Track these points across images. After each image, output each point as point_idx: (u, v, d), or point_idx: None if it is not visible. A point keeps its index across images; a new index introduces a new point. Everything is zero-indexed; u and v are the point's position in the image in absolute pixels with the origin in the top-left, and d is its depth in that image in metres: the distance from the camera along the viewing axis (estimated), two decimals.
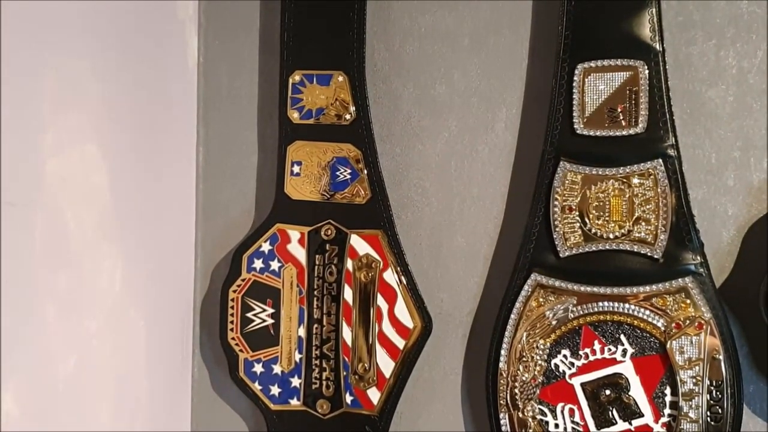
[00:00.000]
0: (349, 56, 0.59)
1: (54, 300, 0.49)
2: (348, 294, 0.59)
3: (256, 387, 0.61)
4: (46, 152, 0.49)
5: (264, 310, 0.61)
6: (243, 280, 0.61)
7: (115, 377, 0.56)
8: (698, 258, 0.54)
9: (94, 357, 0.53)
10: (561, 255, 0.55)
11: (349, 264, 0.59)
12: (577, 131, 0.55)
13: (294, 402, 0.60)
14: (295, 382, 0.60)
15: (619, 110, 0.55)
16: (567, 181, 0.55)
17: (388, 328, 0.59)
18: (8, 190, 0.45)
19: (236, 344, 0.61)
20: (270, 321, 0.61)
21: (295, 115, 0.60)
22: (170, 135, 0.64)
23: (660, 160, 0.55)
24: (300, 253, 0.60)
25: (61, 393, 0.50)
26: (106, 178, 0.55)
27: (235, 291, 0.61)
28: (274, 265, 0.61)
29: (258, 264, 0.61)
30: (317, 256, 0.60)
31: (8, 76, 0.45)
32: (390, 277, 0.59)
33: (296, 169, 0.60)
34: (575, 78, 0.55)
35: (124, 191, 0.57)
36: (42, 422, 0.48)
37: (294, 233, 0.60)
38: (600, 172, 0.55)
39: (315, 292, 0.60)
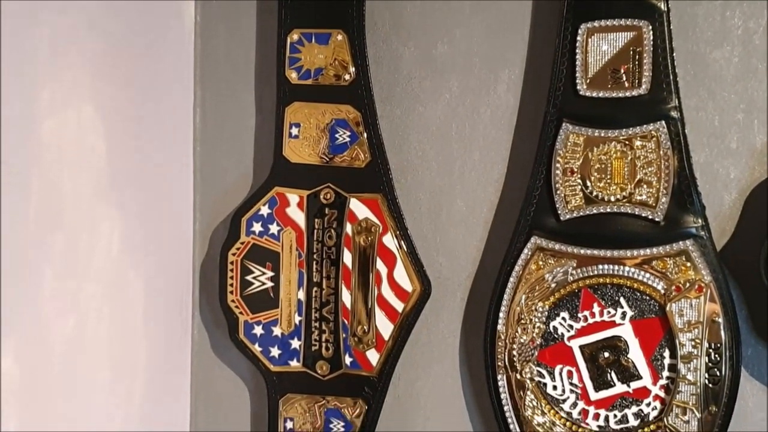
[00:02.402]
0: (349, 14, 0.58)
1: (51, 262, 0.49)
2: (347, 258, 0.59)
3: (256, 349, 0.61)
4: (42, 112, 0.48)
5: (263, 273, 0.61)
6: (242, 243, 0.61)
7: (114, 339, 0.57)
8: (699, 221, 0.54)
9: (93, 319, 0.53)
10: (561, 218, 0.55)
11: (349, 228, 0.59)
12: (580, 92, 0.55)
13: (294, 363, 0.60)
14: (295, 344, 0.60)
15: (623, 71, 0.54)
16: (569, 143, 0.55)
17: (387, 292, 0.59)
18: (4, 150, 0.44)
19: (236, 307, 0.61)
20: (269, 284, 0.60)
21: (293, 76, 0.59)
22: (167, 97, 0.63)
23: (663, 122, 0.54)
24: (299, 216, 0.60)
25: (60, 354, 0.50)
26: (103, 139, 0.55)
27: (234, 254, 0.61)
28: (273, 228, 0.60)
29: (257, 227, 0.60)
30: (316, 219, 0.60)
31: (2, 33, 0.45)
32: (389, 241, 0.59)
33: (294, 131, 0.60)
34: (578, 38, 0.55)
35: (121, 153, 0.57)
36: (42, 383, 0.48)
37: (293, 197, 0.60)
38: (602, 134, 0.55)
39: (314, 256, 0.60)
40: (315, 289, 0.60)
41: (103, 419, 0.56)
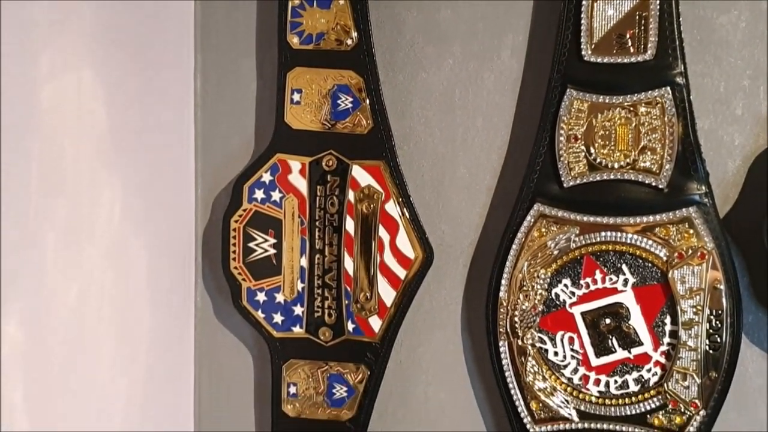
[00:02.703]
0: None
1: (53, 228, 0.49)
2: (349, 225, 0.59)
3: (259, 315, 0.61)
4: (41, 77, 0.47)
5: (266, 240, 0.61)
6: (244, 210, 0.60)
7: (117, 306, 0.57)
8: (703, 188, 0.54)
9: (96, 286, 0.53)
10: (565, 185, 0.55)
11: (351, 195, 0.59)
12: (585, 58, 0.54)
13: (297, 329, 0.61)
14: (298, 310, 0.61)
15: (628, 36, 0.54)
16: (573, 110, 0.54)
17: (389, 259, 0.59)
18: (4, 116, 0.44)
19: (239, 273, 0.61)
20: (272, 251, 0.61)
21: (294, 40, 0.58)
22: (167, 62, 0.62)
23: (668, 88, 0.54)
24: (301, 183, 0.60)
25: (64, 321, 0.50)
26: (103, 105, 0.54)
27: (236, 221, 0.61)
28: (275, 195, 0.60)
29: (259, 194, 0.60)
30: (318, 186, 0.60)
31: None
32: (392, 208, 0.59)
33: (296, 97, 0.59)
34: (583, 3, 0.54)
35: (122, 119, 0.56)
36: (46, 349, 0.49)
37: (295, 164, 0.60)
38: (607, 100, 0.54)
39: (317, 223, 0.60)
40: (317, 256, 0.60)
41: (108, 385, 0.56)
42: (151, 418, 0.61)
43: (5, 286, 0.44)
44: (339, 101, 0.59)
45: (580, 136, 0.55)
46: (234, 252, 0.61)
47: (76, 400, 0.52)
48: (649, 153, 0.54)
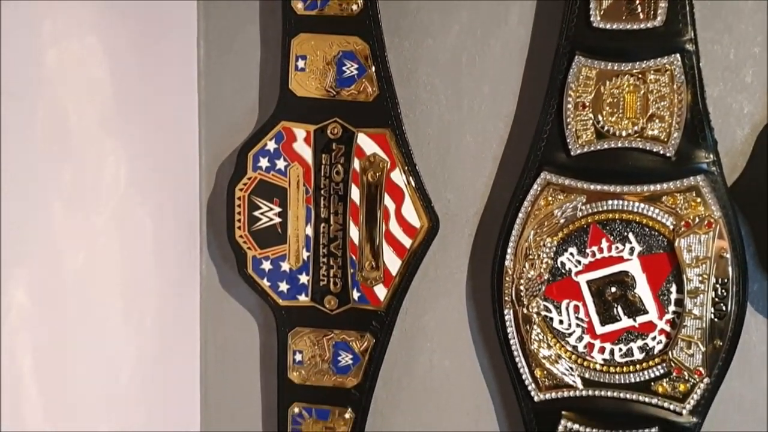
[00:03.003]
0: None
1: (60, 195, 0.49)
2: (355, 194, 0.59)
3: (265, 283, 0.61)
4: (45, 42, 0.47)
5: (271, 209, 0.60)
6: (249, 178, 0.60)
7: (123, 274, 0.57)
8: (711, 156, 0.53)
9: (102, 253, 0.53)
10: (572, 153, 0.55)
11: (356, 163, 0.59)
12: (594, 24, 0.53)
13: (302, 298, 0.61)
14: (303, 279, 0.61)
15: (638, 2, 0.53)
16: (581, 77, 0.54)
17: (395, 228, 0.59)
18: (7, 80, 0.44)
19: (244, 242, 0.61)
20: (277, 220, 0.60)
21: (299, 6, 0.57)
22: (171, 29, 0.61)
23: (677, 56, 0.53)
24: (306, 152, 0.59)
25: (71, 288, 0.50)
26: (107, 71, 0.54)
27: (241, 189, 0.60)
28: (280, 164, 0.60)
29: (264, 162, 0.60)
30: (323, 155, 0.59)
31: None
32: (397, 177, 0.58)
33: (301, 63, 0.58)
34: None
35: (126, 86, 0.56)
36: (54, 316, 0.49)
37: (299, 131, 0.59)
38: (615, 67, 0.54)
39: (322, 192, 0.60)
40: (323, 225, 0.60)
41: (116, 354, 0.57)
42: (158, 385, 0.61)
43: (12, 252, 0.44)
44: (344, 68, 0.58)
45: (588, 104, 0.54)
46: (239, 221, 0.61)
47: (85, 366, 0.52)
48: (657, 121, 0.53)
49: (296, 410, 0.62)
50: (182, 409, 0.65)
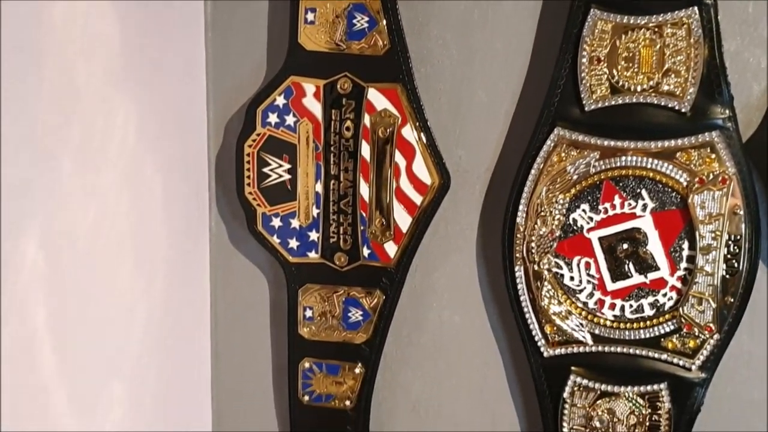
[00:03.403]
0: None
1: (68, 150, 0.48)
2: (365, 150, 0.58)
3: (275, 240, 0.61)
4: None
5: (280, 166, 0.60)
6: (258, 134, 0.60)
7: (133, 231, 0.57)
8: (726, 112, 0.52)
9: (112, 210, 0.53)
10: (586, 108, 0.54)
11: (367, 119, 0.58)
12: None
13: (312, 255, 0.61)
14: (313, 236, 0.61)
15: None
16: (597, 30, 0.53)
17: (405, 185, 0.58)
18: (14, 36, 0.43)
19: (254, 199, 0.60)
20: (287, 176, 0.60)
21: None
22: None
23: (695, 9, 0.52)
24: (316, 107, 0.59)
25: (82, 244, 0.50)
26: (114, 27, 0.53)
27: (250, 146, 0.60)
28: (290, 119, 0.59)
29: (273, 118, 0.59)
30: (333, 110, 0.59)
31: None
32: (408, 133, 0.58)
33: (310, 16, 0.57)
34: None
35: (133, 42, 0.55)
36: (66, 272, 0.49)
37: (309, 86, 0.59)
38: (632, 21, 0.52)
39: (332, 148, 0.59)
40: (333, 181, 0.60)
41: (127, 310, 0.57)
42: (169, 340, 0.62)
43: (24, 208, 0.44)
44: (354, 21, 0.57)
45: (603, 58, 0.53)
46: (248, 177, 0.60)
47: (97, 323, 0.52)
48: (673, 76, 0.53)
49: (306, 365, 0.63)
50: (193, 365, 0.66)
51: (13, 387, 0.45)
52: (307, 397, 0.63)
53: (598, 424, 0.57)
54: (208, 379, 0.67)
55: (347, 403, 0.62)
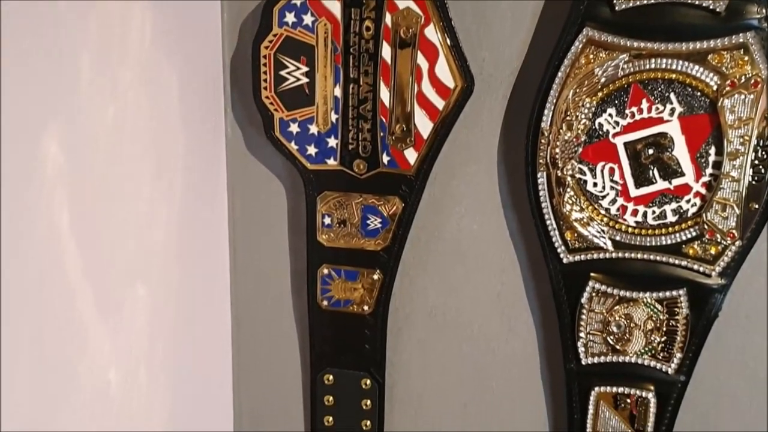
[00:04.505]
0: None
1: (87, 49, 0.47)
2: (386, 52, 0.57)
3: (293, 147, 0.60)
4: None
5: (298, 68, 0.58)
6: (275, 35, 0.58)
7: (151, 132, 0.56)
8: (763, 11, 0.51)
9: (132, 109, 0.52)
10: (617, 8, 0.52)
11: (388, 18, 0.56)
12: None
13: (330, 162, 0.60)
14: (332, 142, 0.60)
15: None
16: None
17: (427, 88, 0.57)
18: None
19: (270, 103, 0.59)
20: (305, 80, 0.58)
21: None
22: None
23: None
24: (334, 6, 0.57)
25: (102, 144, 0.49)
26: None
27: (266, 47, 0.58)
28: (307, 19, 0.57)
29: (290, 18, 0.57)
30: (353, 9, 0.56)
31: None
32: (431, 33, 0.56)
33: None
34: None
35: None
36: (87, 172, 0.48)
37: None
38: None
39: (351, 50, 0.57)
40: (352, 85, 0.58)
41: (148, 212, 0.56)
42: (189, 246, 0.62)
43: (44, 105, 0.43)
44: None
45: None
46: (265, 81, 0.59)
47: (119, 224, 0.52)
48: None
49: (325, 271, 0.63)
50: (213, 271, 0.66)
51: (41, 288, 0.45)
52: (325, 302, 0.63)
53: (615, 330, 0.58)
54: (227, 285, 0.68)
55: (365, 308, 0.63)
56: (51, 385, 0.46)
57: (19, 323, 0.43)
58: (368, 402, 0.65)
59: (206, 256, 0.65)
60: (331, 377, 0.65)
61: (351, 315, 0.63)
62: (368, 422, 0.66)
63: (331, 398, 0.66)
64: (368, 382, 0.65)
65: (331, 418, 0.66)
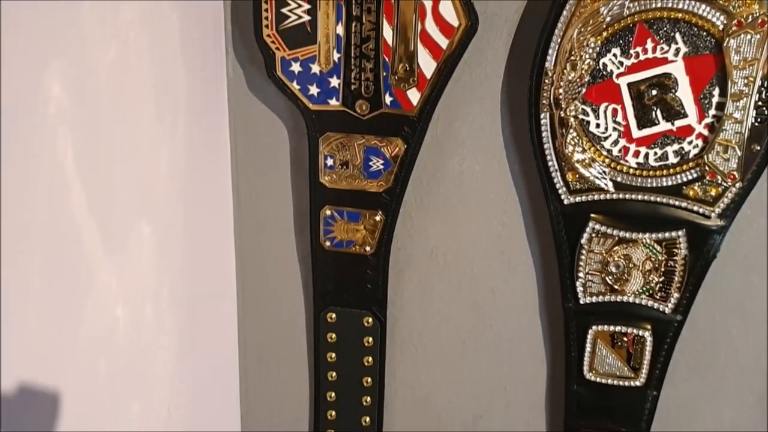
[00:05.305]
0: None
1: None
2: None
3: (295, 87, 0.60)
4: None
5: (300, 6, 0.57)
6: None
7: (153, 71, 0.55)
8: None
9: (133, 48, 0.51)
10: None
11: None
12: None
13: (333, 102, 0.60)
14: (334, 82, 0.59)
15: None
16: None
17: (431, 27, 0.56)
18: None
19: (272, 42, 0.59)
20: (306, 17, 0.58)
21: None
22: None
23: None
24: None
25: (104, 83, 0.49)
26: None
27: None
28: None
29: None
30: None
31: None
32: None
33: None
34: None
35: None
36: (90, 111, 0.48)
37: None
38: None
39: None
40: (354, 23, 0.57)
41: (152, 152, 0.56)
42: (192, 187, 0.62)
43: (46, 43, 0.43)
44: None
45: None
46: (266, 18, 0.58)
47: (123, 163, 0.52)
48: None
49: (328, 212, 0.63)
50: (216, 211, 0.67)
51: (49, 224, 0.45)
52: (328, 243, 0.64)
53: (614, 270, 0.59)
54: (230, 225, 0.68)
55: (367, 248, 0.64)
56: (59, 320, 0.47)
57: (26, 258, 0.44)
58: (370, 339, 0.66)
59: (210, 196, 0.65)
60: (333, 315, 0.67)
61: (353, 255, 0.64)
62: (370, 358, 0.67)
63: (333, 335, 0.67)
64: (370, 320, 0.66)
65: (333, 355, 0.68)
